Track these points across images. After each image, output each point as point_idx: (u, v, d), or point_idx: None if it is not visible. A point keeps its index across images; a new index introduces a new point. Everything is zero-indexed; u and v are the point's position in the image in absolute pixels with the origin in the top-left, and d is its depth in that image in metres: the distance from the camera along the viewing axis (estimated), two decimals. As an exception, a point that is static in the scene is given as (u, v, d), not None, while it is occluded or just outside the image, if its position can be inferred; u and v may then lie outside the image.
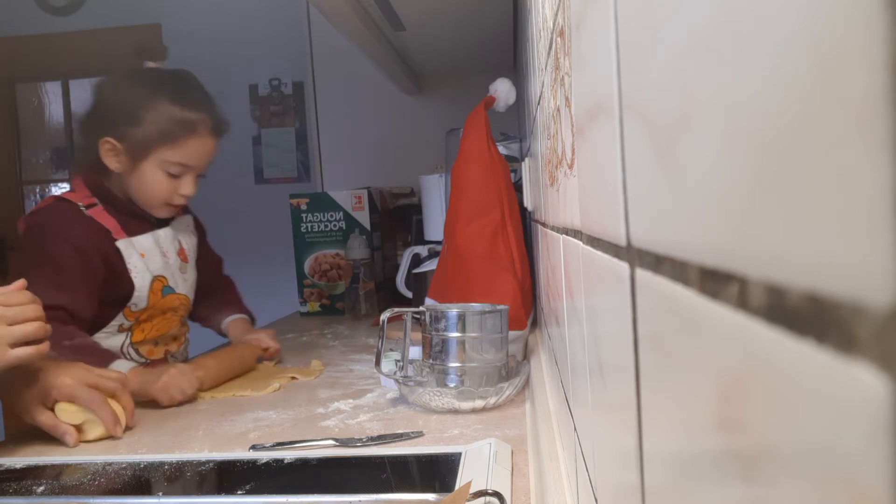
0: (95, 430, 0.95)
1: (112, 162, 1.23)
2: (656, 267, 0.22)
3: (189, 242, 1.40)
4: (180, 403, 1.10)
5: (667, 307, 0.21)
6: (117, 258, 1.24)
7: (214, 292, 1.48)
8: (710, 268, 0.17)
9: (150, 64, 1.31)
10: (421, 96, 2.49)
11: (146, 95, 1.23)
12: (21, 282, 0.92)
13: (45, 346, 0.91)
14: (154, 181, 1.24)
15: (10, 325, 0.87)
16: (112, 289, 1.23)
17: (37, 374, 0.94)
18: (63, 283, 1.16)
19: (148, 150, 1.22)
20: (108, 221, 1.24)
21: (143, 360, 1.30)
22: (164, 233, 1.32)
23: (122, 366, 1.13)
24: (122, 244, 1.24)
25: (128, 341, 1.28)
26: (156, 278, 1.28)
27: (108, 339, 1.25)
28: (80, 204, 1.24)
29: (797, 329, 0.12)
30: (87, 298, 1.19)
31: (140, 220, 1.29)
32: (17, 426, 1.00)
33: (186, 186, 1.27)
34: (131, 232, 1.26)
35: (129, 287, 1.24)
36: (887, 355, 0.09)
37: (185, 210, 1.43)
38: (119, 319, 1.26)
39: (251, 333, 1.42)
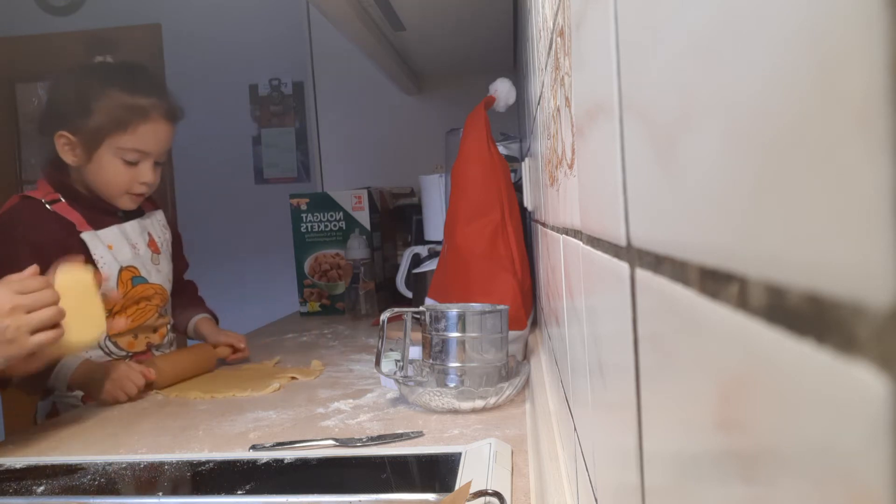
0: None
1: (68, 156, 1.24)
2: (656, 267, 0.22)
3: (161, 236, 1.40)
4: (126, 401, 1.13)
5: (667, 307, 0.21)
6: (83, 250, 1.23)
7: (182, 293, 1.49)
8: (710, 268, 0.17)
9: (100, 58, 1.33)
10: (421, 96, 2.49)
11: (95, 86, 1.24)
12: (34, 267, 0.92)
13: (61, 330, 0.91)
14: (111, 170, 1.25)
15: (28, 312, 0.87)
16: None
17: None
18: None
19: (101, 139, 1.23)
20: (72, 215, 1.25)
21: (123, 353, 1.30)
22: (130, 226, 1.32)
23: (71, 361, 1.14)
24: (87, 236, 1.25)
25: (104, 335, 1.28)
26: (124, 269, 1.28)
27: None
28: (44, 200, 1.25)
29: (797, 329, 0.12)
30: None
31: (105, 214, 1.29)
32: (17, 426, 1.00)
33: (145, 174, 1.27)
34: (97, 225, 1.27)
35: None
36: (887, 355, 0.09)
37: (154, 205, 1.43)
38: None
39: (222, 334, 1.43)
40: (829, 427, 0.11)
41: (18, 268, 1.16)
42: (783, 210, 0.12)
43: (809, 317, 0.11)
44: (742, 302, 0.15)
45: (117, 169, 1.25)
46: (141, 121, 1.24)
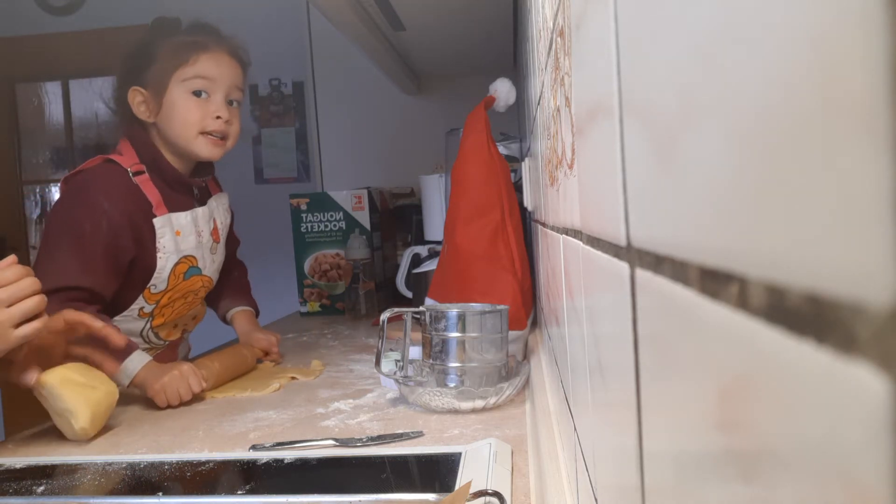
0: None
1: (142, 110, 1.23)
2: (656, 267, 0.22)
3: (223, 221, 1.39)
4: (178, 405, 1.10)
5: (667, 307, 0.21)
6: (149, 236, 1.21)
7: (228, 276, 1.46)
8: (710, 268, 0.17)
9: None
10: (421, 96, 2.49)
11: (158, 37, 1.25)
12: (11, 257, 0.89)
13: (45, 319, 0.89)
14: (181, 106, 1.22)
15: (9, 305, 0.85)
16: (134, 266, 1.21)
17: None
18: (88, 261, 1.15)
19: (167, 79, 1.22)
20: (153, 193, 1.22)
21: (161, 342, 1.30)
22: (202, 211, 1.30)
23: (138, 359, 1.11)
24: (160, 221, 1.22)
25: (148, 326, 1.27)
26: (181, 260, 1.26)
27: (128, 322, 1.23)
28: (130, 170, 1.22)
29: (797, 329, 0.12)
30: (111, 277, 1.18)
31: (183, 195, 1.27)
32: (17, 426, 1.00)
33: (217, 107, 1.24)
34: (173, 206, 1.24)
35: (151, 267, 1.22)
36: (887, 355, 0.09)
37: (220, 188, 1.42)
38: (140, 303, 1.24)
39: (257, 332, 1.41)
40: (829, 427, 0.11)
41: (91, 242, 1.15)
42: (783, 210, 0.12)
43: (809, 317, 0.11)
44: (742, 302, 0.15)
45: (187, 104, 1.23)
46: (201, 51, 1.23)
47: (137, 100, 1.23)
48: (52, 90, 3.59)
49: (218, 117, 1.23)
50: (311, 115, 2.58)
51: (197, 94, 1.23)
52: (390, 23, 1.64)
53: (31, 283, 0.87)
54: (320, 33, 2.46)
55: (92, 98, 3.56)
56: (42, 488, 0.76)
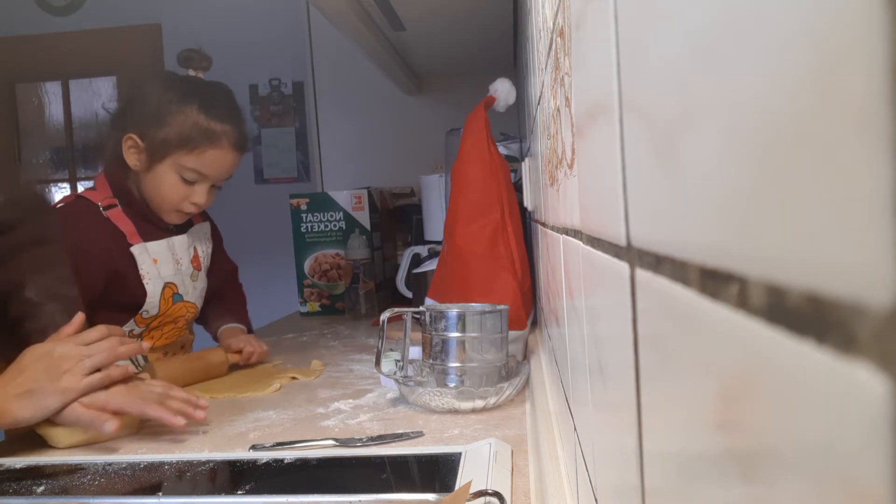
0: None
1: (132, 158, 1.23)
2: (656, 267, 0.22)
3: (204, 250, 1.39)
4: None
5: (667, 307, 0.21)
6: (130, 264, 1.23)
7: (221, 299, 1.47)
8: (710, 268, 0.17)
9: (192, 72, 1.30)
10: (421, 96, 2.49)
11: (175, 99, 1.22)
12: (80, 317, 0.96)
13: (108, 373, 0.94)
14: (167, 184, 1.23)
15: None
16: (123, 294, 1.23)
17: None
18: None
19: (166, 153, 1.22)
20: (125, 224, 1.24)
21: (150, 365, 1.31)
22: (178, 240, 1.31)
23: None
24: (137, 249, 1.24)
25: None
26: (167, 285, 1.28)
27: None
28: (100, 204, 1.24)
29: (797, 329, 0.12)
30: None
31: (156, 226, 1.29)
32: (17, 426, 1.00)
33: (199, 195, 1.25)
34: (147, 236, 1.26)
35: (141, 293, 1.24)
36: (887, 355, 0.09)
37: (203, 217, 1.42)
38: (130, 326, 1.26)
39: (234, 341, 1.37)
40: (828, 427, 0.11)
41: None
42: (783, 210, 0.12)
43: (809, 317, 0.11)
44: (742, 302, 0.15)
45: (173, 184, 1.23)
46: (209, 145, 1.22)
47: (130, 145, 1.23)
48: (52, 90, 3.59)
49: (195, 203, 1.25)
50: (311, 115, 2.58)
51: (187, 180, 1.24)
52: (390, 23, 1.64)
53: (112, 343, 0.95)
54: (320, 33, 2.46)
55: (92, 98, 3.56)
56: (42, 488, 0.76)
